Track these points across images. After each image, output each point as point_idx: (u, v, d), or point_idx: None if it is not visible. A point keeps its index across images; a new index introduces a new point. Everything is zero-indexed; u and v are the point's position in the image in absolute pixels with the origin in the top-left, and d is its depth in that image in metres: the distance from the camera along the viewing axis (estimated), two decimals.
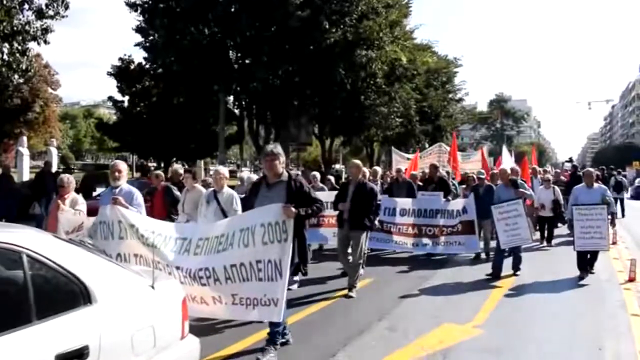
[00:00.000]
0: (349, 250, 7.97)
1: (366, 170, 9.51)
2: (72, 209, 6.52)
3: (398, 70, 28.51)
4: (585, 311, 7.16)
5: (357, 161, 8.52)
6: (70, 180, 6.91)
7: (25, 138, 27.34)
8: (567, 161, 49.56)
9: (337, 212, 8.26)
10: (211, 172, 13.75)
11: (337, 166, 45.10)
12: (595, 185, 9.49)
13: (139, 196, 6.27)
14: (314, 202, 5.38)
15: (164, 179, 9.16)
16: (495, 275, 8.98)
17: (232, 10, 22.44)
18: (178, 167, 10.58)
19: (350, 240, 7.93)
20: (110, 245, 5.56)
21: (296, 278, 7.85)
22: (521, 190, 9.42)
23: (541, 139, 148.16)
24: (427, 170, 15.14)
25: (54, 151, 27.40)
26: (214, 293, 5.08)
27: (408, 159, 18.25)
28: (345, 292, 7.81)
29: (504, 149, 15.63)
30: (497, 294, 8.02)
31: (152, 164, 39.63)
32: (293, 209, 4.97)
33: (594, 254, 9.30)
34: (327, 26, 22.46)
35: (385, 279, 8.98)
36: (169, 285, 3.68)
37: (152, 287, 3.34)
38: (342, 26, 23.20)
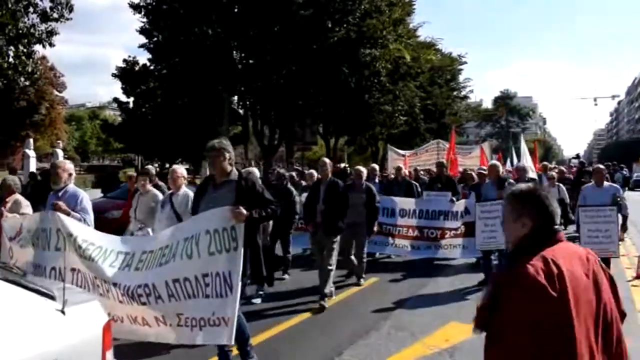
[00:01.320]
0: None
1: (362, 168, 8.94)
2: (16, 214, 5.93)
3: (402, 69, 28.50)
4: None
5: (326, 159, 7.93)
6: (10, 182, 6.32)
7: (31, 140, 27.42)
8: (574, 157, 49.14)
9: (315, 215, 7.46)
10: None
11: (343, 165, 45.05)
12: (606, 184, 8.54)
13: (84, 199, 5.54)
14: (268, 203, 4.67)
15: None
16: (487, 282, 8.43)
17: (235, 10, 22.50)
18: (150, 167, 9.39)
19: (324, 245, 7.34)
20: (45, 257, 4.89)
21: (260, 292, 7.37)
22: (503, 192, 8.87)
23: (547, 135, 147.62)
24: (419, 168, 14.60)
25: (60, 153, 27.43)
26: (157, 313, 4.42)
27: (404, 156, 17.56)
28: (355, 287, 7.85)
29: (522, 143, 14.02)
30: None
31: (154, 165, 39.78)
32: (244, 211, 4.31)
33: (605, 262, 8.69)
34: (330, 25, 22.48)
35: (389, 279, 8.98)
36: (85, 309, 3.12)
37: (62, 311, 2.81)
38: (345, 25, 23.21)
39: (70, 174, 5.65)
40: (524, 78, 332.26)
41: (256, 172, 8.06)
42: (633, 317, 6.74)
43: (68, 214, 5.09)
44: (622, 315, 2.44)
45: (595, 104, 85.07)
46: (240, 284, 4.24)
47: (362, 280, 8.45)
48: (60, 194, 5.49)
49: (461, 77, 44.36)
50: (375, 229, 8.65)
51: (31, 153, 25.15)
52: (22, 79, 17.18)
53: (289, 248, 8.91)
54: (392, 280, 8.88)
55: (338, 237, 7.35)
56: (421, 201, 10.31)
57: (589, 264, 2.25)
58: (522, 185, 2.50)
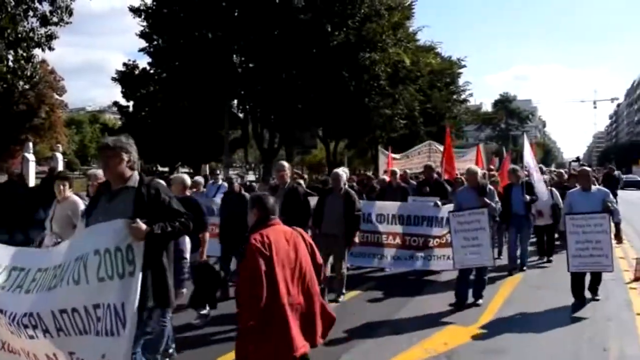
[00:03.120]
0: None
1: (340, 172, 7.93)
2: None
3: (401, 72, 28.47)
4: (590, 311, 7.12)
5: (284, 162, 7.07)
6: None
7: (31, 144, 27.52)
8: (574, 161, 49.17)
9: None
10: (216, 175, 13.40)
11: (342, 168, 45.11)
12: (594, 187, 7.71)
13: None
14: (176, 216, 3.74)
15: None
16: (459, 304, 7.26)
17: (235, 14, 22.55)
18: (95, 172, 7.04)
19: None
20: None
21: (204, 311, 6.47)
22: (485, 198, 7.38)
23: (547, 138, 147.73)
24: (409, 172, 13.45)
25: (59, 157, 27.51)
26: (48, 349, 3.63)
27: (395, 158, 16.44)
28: (352, 292, 7.77)
29: (526, 145, 12.28)
30: (500, 296, 8.00)
31: (163, 169, 39.87)
32: (143, 226, 3.49)
33: (596, 275, 7.46)
34: (329, 29, 22.51)
35: (387, 283, 8.94)
36: None
37: None
38: (344, 29, 23.23)
39: None
40: (523, 81, 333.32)
41: (186, 179, 6.83)
42: (631, 320, 6.75)
43: None
44: (319, 266, 4.08)
45: (595, 107, 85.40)
46: (135, 318, 3.43)
47: (341, 296, 7.58)
48: None
49: (461, 81, 44.31)
50: (357, 239, 7.70)
51: (31, 157, 25.21)
52: (22, 82, 17.19)
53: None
54: (388, 285, 8.82)
55: None
56: (402, 206, 9.27)
57: (292, 237, 3.90)
58: (258, 192, 4.75)
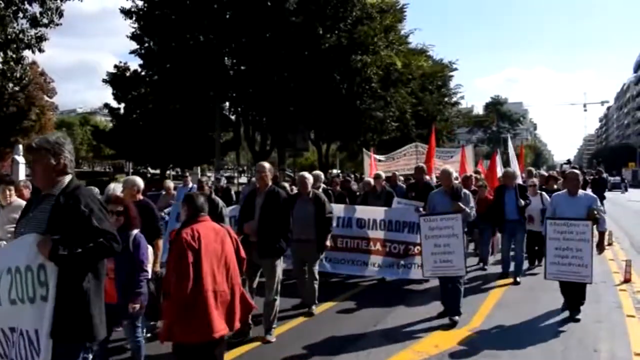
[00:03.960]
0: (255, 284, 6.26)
1: (307, 174, 7.57)
2: None
3: (393, 75, 28.55)
4: (581, 313, 7.13)
5: (264, 163, 6.59)
6: None
7: (20, 146, 27.25)
8: (565, 163, 49.46)
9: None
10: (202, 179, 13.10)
11: (335, 171, 45.13)
12: (581, 192, 7.15)
13: None
14: (97, 235, 3.02)
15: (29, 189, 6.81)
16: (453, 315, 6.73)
17: (227, 16, 22.52)
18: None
19: (262, 270, 6.15)
20: None
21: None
22: (459, 203, 6.86)
23: (537, 141, 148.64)
24: (397, 174, 12.69)
25: None
26: None
27: (379, 160, 15.58)
28: (342, 295, 7.73)
29: (510, 148, 11.32)
30: (492, 298, 8.02)
31: (154, 171, 39.73)
32: (48, 244, 2.90)
33: (580, 290, 6.86)
34: (321, 32, 22.54)
35: (377, 286, 8.94)
36: None
37: None
38: (336, 31, 23.28)
39: None
40: (514, 84, 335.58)
41: (138, 181, 5.99)
42: (621, 321, 6.78)
43: None
44: (241, 259, 4.56)
45: (585, 110, 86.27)
46: (49, 348, 2.91)
47: (313, 307, 7.19)
48: None
49: (452, 84, 44.54)
50: (328, 243, 7.40)
51: (20, 159, 24.95)
52: (11, 84, 17.04)
53: None
54: (378, 288, 8.84)
55: (280, 260, 6.22)
56: (383, 211, 8.84)
57: (219, 233, 4.37)
58: (191, 192, 5.10)
